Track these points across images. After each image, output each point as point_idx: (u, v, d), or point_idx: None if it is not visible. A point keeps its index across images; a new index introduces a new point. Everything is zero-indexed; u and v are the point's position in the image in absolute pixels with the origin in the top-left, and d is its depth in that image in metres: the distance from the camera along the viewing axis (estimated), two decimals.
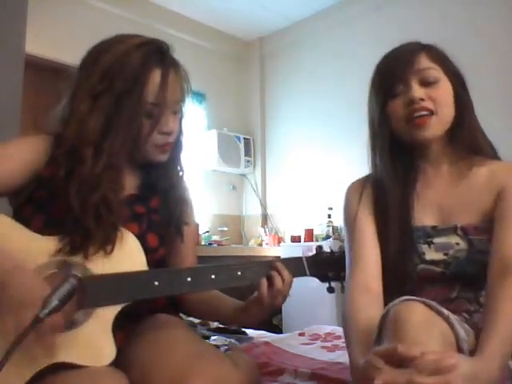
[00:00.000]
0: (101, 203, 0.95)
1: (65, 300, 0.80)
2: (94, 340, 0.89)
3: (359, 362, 0.78)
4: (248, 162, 4.36)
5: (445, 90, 1.05)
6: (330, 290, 1.17)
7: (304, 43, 4.22)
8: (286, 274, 1.05)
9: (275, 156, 4.38)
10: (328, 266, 1.16)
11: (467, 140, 1.07)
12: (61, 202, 0.95)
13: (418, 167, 1.09)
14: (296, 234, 3.86)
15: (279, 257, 3.14)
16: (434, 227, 1.05)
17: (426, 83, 1.03)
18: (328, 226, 3.64)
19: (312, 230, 3.77)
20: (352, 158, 3.71)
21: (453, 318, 0.81)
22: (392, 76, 1.06)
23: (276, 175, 4.36)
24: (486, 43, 3.11)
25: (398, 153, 1.08)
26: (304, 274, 1.13)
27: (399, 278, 1.01)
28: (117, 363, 0.89)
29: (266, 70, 4.57)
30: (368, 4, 3.77)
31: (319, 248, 1.19)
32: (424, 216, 1.06)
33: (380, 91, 1.08)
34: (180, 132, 1.12)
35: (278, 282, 1.03)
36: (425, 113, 1.01)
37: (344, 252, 1.14)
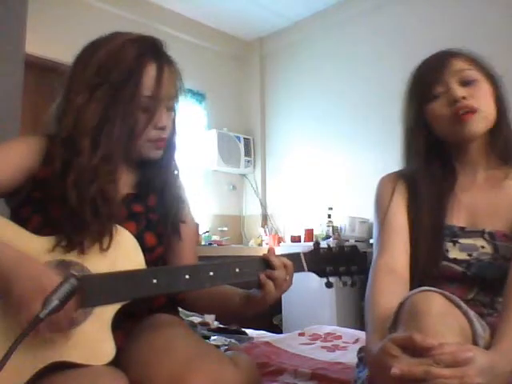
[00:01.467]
0: (98, 195, 0.96)
1: (65, 300, 0.80)
2: (93, 339, 0.89)
3: (375, 348, 0.78)
4: (248, 162, 4.36)
5: (485, 89, 1.06)
6: (329, 285, 1.18)
7: (304, 43, 4.22)
8: (279, 263, 1.03)
9: (275, 156, 4.38)
10: (326, 261, 1.16)
11: (502, 145, 1.08)
12: (57, 203, 0.95)
13: (455, 170, 1.11)
14: (296, 234, 3.86)
15: None
16: (461, 228, 1.06)
17: (465, 83, 1.04)
18: (328, 226, 3.64)
19: (312, 230, 3.77)
20: (352, 158, 3.72)
21: (471, 312, 0.81)
22: (430, 79, 1.06)
23: (276, 175, 4.36)
24: (486, 42, 3.11)
25: (435, 155, 1.10)
26: (302, 270, 1.13)
27: (421, 274, 1.01)
28: (116, 363, 0.89)
29: (266, 70, 4.57)
30: (368, 4, 3.77)
31: (317, 244, 1.19)
32: (454, 217, 1.07)
33: (417, 95, 1.10)
34: (173, 131, 1.13)
35: (277, 273, 1.01)
36: (468, 110, 1.02)
37: (341, 247, 1.15)
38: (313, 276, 1.17)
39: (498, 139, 1.07)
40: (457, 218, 1.07)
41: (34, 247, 0.91)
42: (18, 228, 0.92)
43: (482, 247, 1.01)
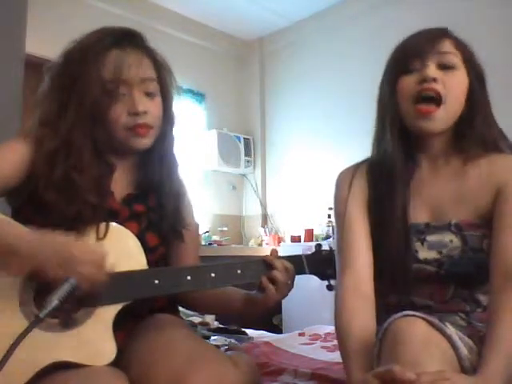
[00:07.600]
0: (62, 180, 0.96)
1: (65, 300, 0.80)
2: (94, 339, 0.89)
3: (357, 378, 0.78)
4: (248, 162, 4.35)
5: (460, 79, 1.00)
6: (330, 287, 1.18)
7: (304, 43, 4.22)
8: (281, 266, 1.03)
9: (275, 156, 4.38)
10: (327, 264, 1.15)
11: (476, 137, 1.02)
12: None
13: (416, 160, 1.05)
14: (296, 234, 3.86)
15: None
16: (426, 224, 1.01)
17: (443, 67, 0.99)
18: (328, 226, 3.64)
19: (312, 230, 3.76)
20: (352, 158, 3.71)
21: (455, 335, 0.80)
22: (411, 52, 1.01)
23: (276, 175, 4.35)
24: (484, 44, 3.10)
25: (400, 140, 1.03)
26: (303, 272, 1.13)
27: (395, 276, 0.99)
28: (117, 363, 0.89)
29: (266, 70, 4.56)
30: (367, 4, 3.76)
31: (318, 246, 1.19)
32: (416, 213, 1.02)
33: (395, 66, 1.04)
34: (167, 120, 1.09)
35: (279, 277, 1.02)
36: (433, 94, 0.96)
37: None
38: (313, 276, 1.17)
39: (467, 133, 1.02)
40: (420, 214, 1.02)
41: None
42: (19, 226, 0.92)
43: (451, 241, 0.97)
